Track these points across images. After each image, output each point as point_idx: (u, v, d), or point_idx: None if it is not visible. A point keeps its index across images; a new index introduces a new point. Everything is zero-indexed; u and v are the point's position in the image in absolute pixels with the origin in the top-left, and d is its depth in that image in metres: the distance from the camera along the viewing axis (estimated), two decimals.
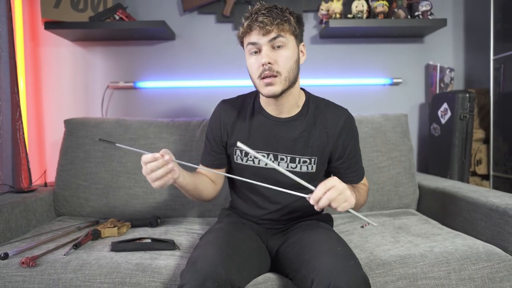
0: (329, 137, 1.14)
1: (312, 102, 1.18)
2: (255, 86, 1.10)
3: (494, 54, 1.80)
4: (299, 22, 1.09)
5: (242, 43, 1.11)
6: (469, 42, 2.08)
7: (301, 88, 1.19)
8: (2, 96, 1.62)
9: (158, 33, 1.90)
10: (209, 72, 2.02)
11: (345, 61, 2.05)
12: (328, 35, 1.99)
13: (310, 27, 2.03)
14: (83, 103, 2.01)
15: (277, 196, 1.17)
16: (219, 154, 1.23)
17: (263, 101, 1.17)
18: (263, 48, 1.03)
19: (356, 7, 1.88)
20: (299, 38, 1.10)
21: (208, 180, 1.24)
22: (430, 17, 1.88)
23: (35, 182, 1.82)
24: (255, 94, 1.22)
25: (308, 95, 1.20)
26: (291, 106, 1.14)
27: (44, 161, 2.02)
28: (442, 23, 1.86)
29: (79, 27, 1.78)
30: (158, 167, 0.97)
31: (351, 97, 2.04)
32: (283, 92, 1.06)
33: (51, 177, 1.90)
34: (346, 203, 0.94)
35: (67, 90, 2.01)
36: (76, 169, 1.63)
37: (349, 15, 1.91)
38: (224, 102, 1.25)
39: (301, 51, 1.12)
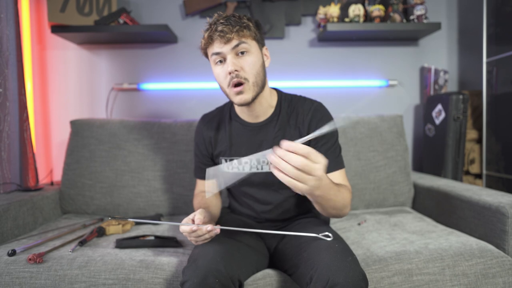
0: (301, 133, 1.12)
1: (284, 100, 1.17)
2: (226, 95, 1.08)
3: (487, 57, 1.80)
4: (259, 28, 1.07)
5: (206, 55, 1.09)
6: (463, 45, 2.08)
7: (273, 88, 1.19)
8: (10, 98, 1.62)
9: (161, 37, 1.90)
10: (210, 74, 1.99)
11: (343, 63, 2.05)
12: (326, 38, 1.99)
13: (309, 30, 2.03)
14: (88, 105, 2.01)
15: (267, 197, 1.17)
16: (209, 166, 1.23)
17: (237, 109, 1.17)
18: (227, 57, 1.02)
19: (353, 11, 1.88)
20: (261, 43, 1.08)
21: (214, 199, 1.25)
22: (425, 21, 1.88)
23: (42, 181, 1.83)
24: (231, 104, 1.22)
25: (280, 94, 1.18)
26: (265, 108, 1.13)
27: (51, 160, 2.02)
28: (437, 26, 1.86)
29: (85, 31, 1.77)
30: (199, 235, 0.94)
31: (348, 99, 2.04)
32: (254, 98, 1.05)
33: (58, 176, 1.90)
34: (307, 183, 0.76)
35: (73, 92, 2.01)
36: (82, 168, 1.63)
37: (346, 19, 1.90)
38: (204, 117, 1.27)
39: (265, 54, 1.10)
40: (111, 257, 1.09)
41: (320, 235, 0.94)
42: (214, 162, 1.24)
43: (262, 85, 1.08)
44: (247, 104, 1.05)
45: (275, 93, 1.18)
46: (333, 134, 1.11)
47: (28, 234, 1.34)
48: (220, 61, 1.04)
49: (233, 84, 1.02)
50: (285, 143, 0.74)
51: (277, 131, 1.13)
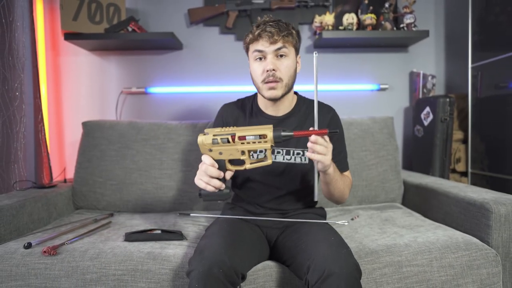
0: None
1: (303, 102, 1.22)
2: (257, 88, 1.14)
3: (472, 63, 1.81)
4: (299, 37, 1.14)
5: (247, 50, 1.15)
6: (450, 51, 2.08)
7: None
8: (26, 101, 1.62)
9: (167, 43, 1.90)
10: (213, 79, 2.02)
11: (337, 68, 2.05)
12: (322, 45, 1.99)
13: (305, 38, 2.03)
14: (99, 107, 2.02)
15: (272, 181, 1.17)
16: None
17: (261, 103, 1.21)
18: (268, 56, 1.08)
19: (347, 19, 1.88)
20: (297, 50, 1.15)
21: None
22: (414, 29, 1.88)
23: (56, 179, 1.83)
24: (253, 98, 1.25)
25: (299, 96, 1.24)
26: (286, 107, 1.18)
27: (64, 159, 2.02)
28: (425, 34, 1.86)
29: (96, 38, 1.78)
30: (213, 176, 0.99)
31: (342, 102, 2.04)
32: (282, 96, 1.11)
33: (70, 174, 1.91)
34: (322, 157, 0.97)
35: (85, 95, 2.01)
36: (93, 166, 1.63)
37: (340, 27, 1.91)
38: (226, 105, 1.30)
39: (297, 61, 1.16)
40: (121, 249, 1.09)
41: (338, 222, 1.16)
42: None
43: (291, 87, 1.14)
44: (276, 99, 1.12)
45: (295, 96, 1.23)
46: (339, 145, 1.19)
47: (43, 228, 1.34)
48: (260, 59, 1.10)
49: (268, 81, 1.08)
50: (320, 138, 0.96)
51: (295, 127, 1.17)
